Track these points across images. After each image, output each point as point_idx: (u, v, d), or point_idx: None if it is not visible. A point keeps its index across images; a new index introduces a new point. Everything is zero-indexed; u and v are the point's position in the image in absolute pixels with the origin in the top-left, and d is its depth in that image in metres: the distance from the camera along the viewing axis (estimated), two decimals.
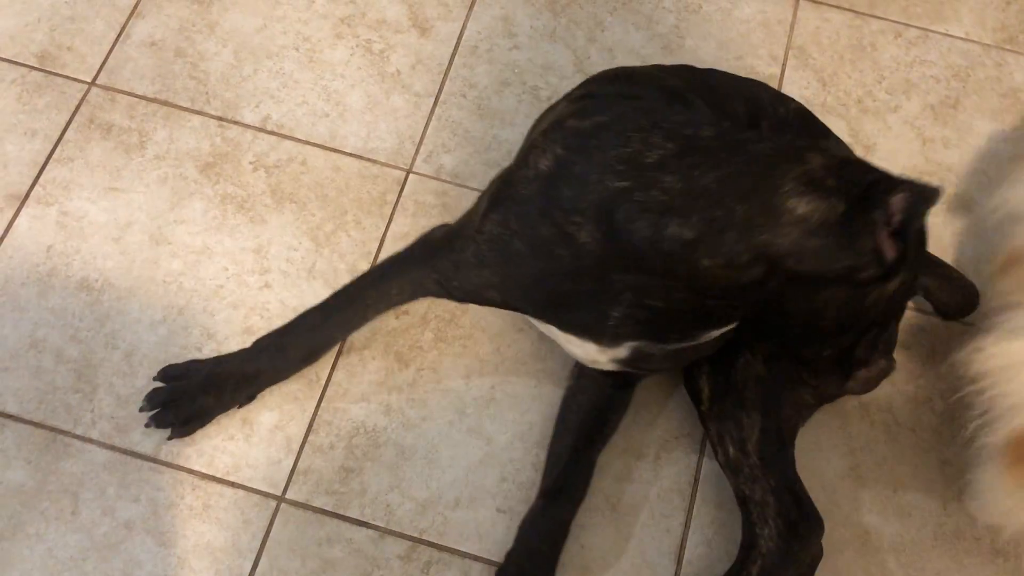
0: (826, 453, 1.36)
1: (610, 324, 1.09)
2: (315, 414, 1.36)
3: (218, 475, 1.32)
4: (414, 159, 1.55)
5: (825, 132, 1.37)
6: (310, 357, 1.35)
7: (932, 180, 1.57)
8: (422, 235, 1.31)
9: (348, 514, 1.30)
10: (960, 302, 1.27)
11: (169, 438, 1.32)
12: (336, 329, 1.34)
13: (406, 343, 1.41)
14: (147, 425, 1.31)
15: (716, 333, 1.12)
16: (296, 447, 1.34)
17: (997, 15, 1.73)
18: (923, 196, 0.92)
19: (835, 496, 1.33)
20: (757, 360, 1.23)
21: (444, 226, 1.29)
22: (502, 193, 1.14)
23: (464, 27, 1.67)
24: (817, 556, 1.25)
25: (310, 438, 1.35)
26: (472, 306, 1.42)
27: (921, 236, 1.04)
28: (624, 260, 1.02)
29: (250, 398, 1.34)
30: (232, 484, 1.31)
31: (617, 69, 1.31)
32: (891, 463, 1.36)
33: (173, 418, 1.31)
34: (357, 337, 1.41)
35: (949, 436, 1.38)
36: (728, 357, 1.23)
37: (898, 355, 1.43)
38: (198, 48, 1.63)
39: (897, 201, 0.92)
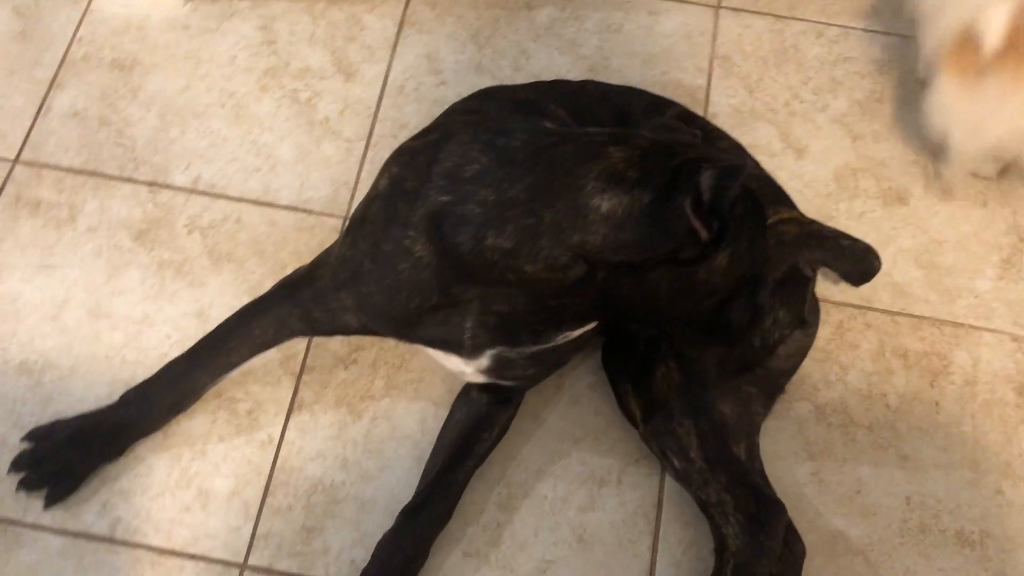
0: (786, 461, 1.37)
1: (466, 336, 1.12)
2: (271, 476, 1.34)
3: (177, 549, 1.29)
4: (350, 205, 1.54)
5: (704, 133, 1.40)
6: (177, 406, 1.34)
7: (861, 176, 1.59)
8: (282, 278, 1.32)
9: (313, 574, 1.28)
10: (860, 268, 1.28)
11: (45, 507, 1.29)
12: (202, 376, 1.33)
13: (357, 393, 1.40)
14: (17, 490, 1.29)
15: (574, 334, 1.14)
16: (254, 512, 1.32)
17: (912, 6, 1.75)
18: (728, 172, 0.95)
19: (799, 503, 1.33)
20: (673, 369, 1.24)
21: (303, 266, 1.31)
22: (353, 218, 1.19)
23: (389, 68, 1.67)
24: (800, 553, 1.26)
25: (268, 501, 1.33)
26: (420, 348, 1.41)
27: (753, 205, 1.06)
28: (458, 271, 1.06)
29: (120, 452, 1.32)
30: (192, 556, 1.29)
31: (484, 88, 1.38)
32: (851, 464, 1.37)
33: (41, 479, 1.29)
34: (307, 394, 1.40)
35: (905, 431, 1.39)
36: (647, 374, 1.25)
37: (847, 354, 1.44)
38: (122, 114, 1.61)
39: (705, 180, 0.95)
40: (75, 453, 1.30)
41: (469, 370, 1.19)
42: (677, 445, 1.24)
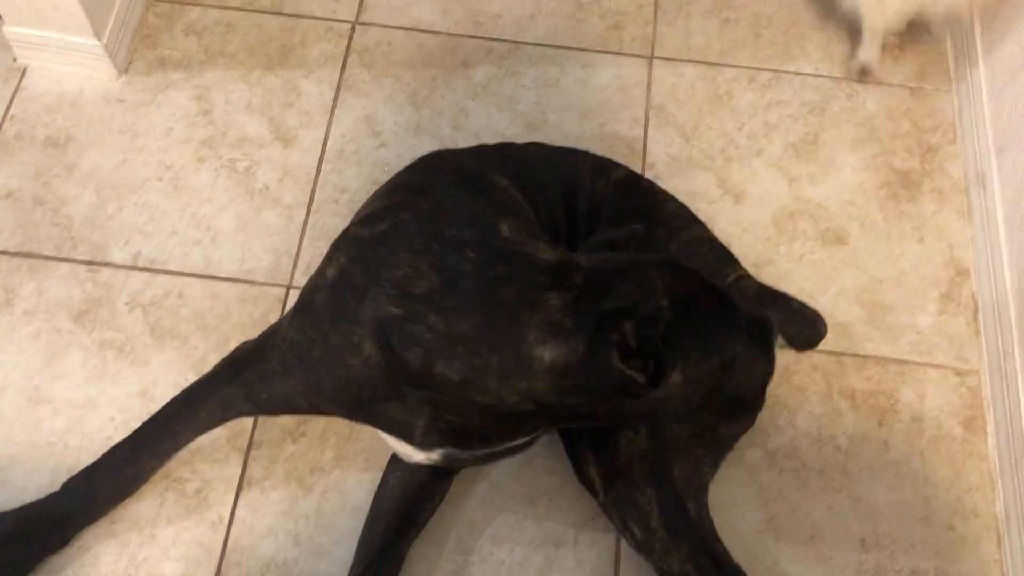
0: (740, 509, 1.37)
1: (417, 433, 1.11)
2: (222, 557, 1.32)
3: None
4: (292, 273, 1.53)
5: (649, 198, 1.42)
6: (121, 493, 1.30)
7: (799, 218, 1.61)
8: (226, 356, 1.29)
9: None
10: (808, 333, 1.31)
11: None
12: (146, 461, 1.29)
13: (306, 466, 1.38)
14: None
15: (522, 440, 1.15)
16: None
17: (842, 48, 1.79)
18: (648, 318, 0.97)
19: (755, 552, 1.34)
20: (640, 436, 1.23)
21: (247, 342, 1.29)
22: (302, 300, 1.16)
23: (328, 132, 1.67)
24: None
25: None
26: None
27: (693, 316, 1.06)
28: (409, 378, 1.05)
29: (64, 543, 1.29)
30: None
31: (428, 155, 1.39)
32: (805, 509, 1.37)
33: None
34: (255, 469, 1.38)
35: (857, 472, 1.40)
36: (610, 441, 1.24)
37: (795, 398, 1.45)
38: (57, 193, 1.59)
39: (628, 330, 0.97)
40: (17, 547, 1.26)
41: (419, 458, 1.17)
42: (639, 514, 1.23)
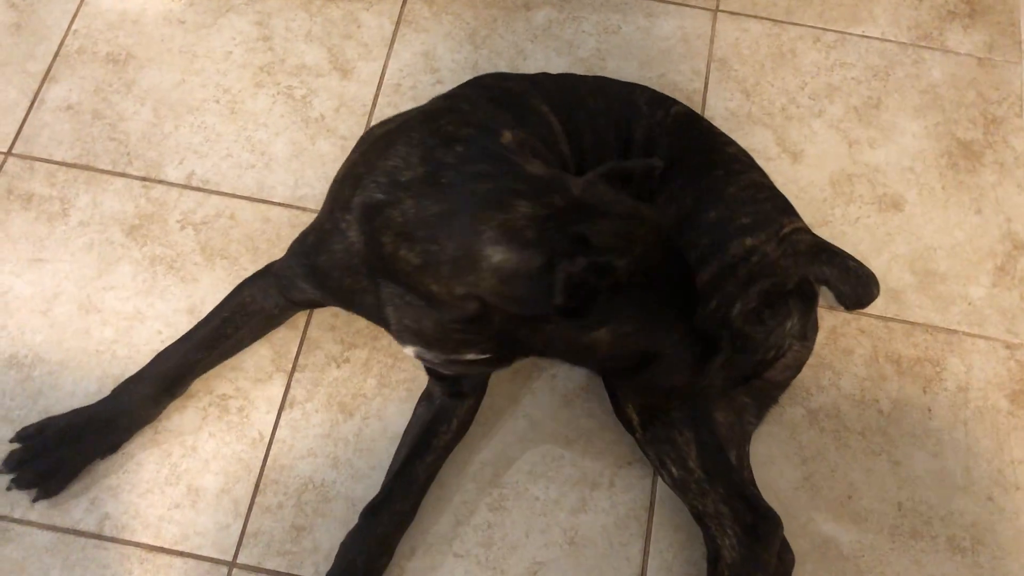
0: (778, 465, 1.36)
1: (392, 325, 1.15)
2: (261, 474, 1.34)
3: (166, 546, 1.28)
4: None
5: (710, 138, 1.40)
6: (170, 392, 1.33)
7: (856, 181, 1.59)
8: None
9: (302, 574, 1.27)
10: (860, 292, 1.29)
11: (33, 500, 1.28)
12: (194, 351, 1.32)
13: (349, 392, 1.39)
14: (8, 488, 1.28)
15: (480, 356, 1.14)
16: (244, 510, 1.31)
17: (911, 13, 1.75)
18: (601, 267, 0.97)
19: (791, 508, 1.33)
20: None
21: None
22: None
23: (385, 66, 1.66)
24: (790, 562, 1.25)
25: (258, 499, 1.32)
26: None
27: (654, 300, 1.06)
28: (383, 266, 1.09)
29: (113, 448, 1.32)
30: (181, 554, 1.28)
31: (480, 75, 1.42)
32: (843, 469, 1.36)
33: (32, 476, 1.27)
34: (298, 391, 1.39)
35: (898, 436, 1.39)
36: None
37: (840, 359, 1.44)
38: (116, 109, 1.60)
39: (577, 263, 0.96)
40: (67, 450, 1.29)
41: (407, 351, 1.20)
42: (676, 454, 1.23)
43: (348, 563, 1.23)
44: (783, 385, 1.34)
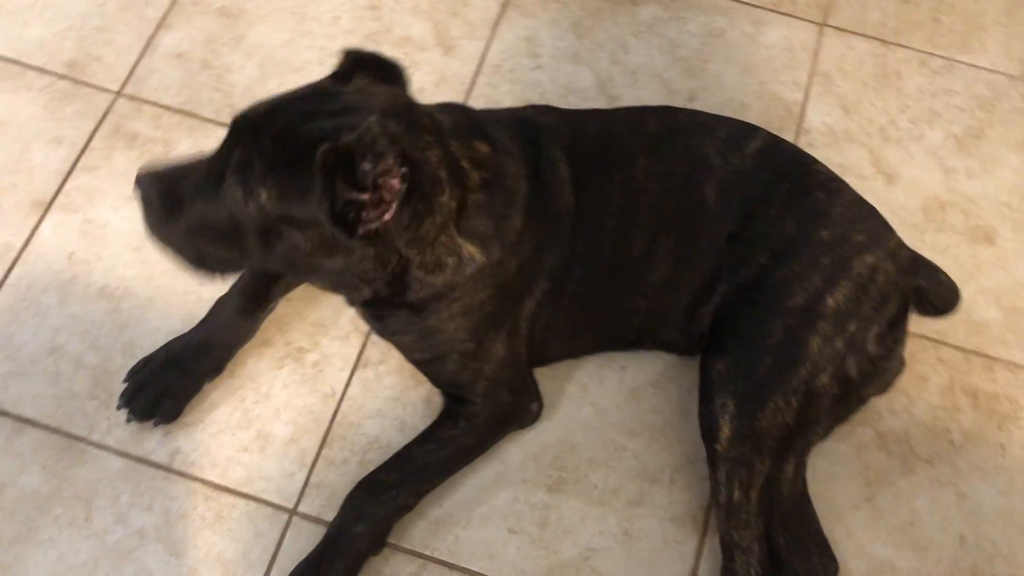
0: (841, 483, 1.35)
1: None
2: (329, 428, 1.36)
3: (231, 486, 1.32)
4: None
5: (798, 162, 1.35)
6: (257, 299, 1.37)
7: (949, 210, 1.56)
8: None
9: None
10: (946, 301, 1.29)
11: (155, 424, 1.33)
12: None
13: None
14: (128, 420, 1.33)
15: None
16: (309, 461, 1.34)
17: (1023, 46, 1.72)
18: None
19: (849, 526, 1.32)
20: (789, 409, 1.20)
21: None
22: None
23: (488, 46, 1.68)
24: (833, 572, 1.25)
25: (324, 452, 1.35)
26: None
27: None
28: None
29: (218, 368, 1.36)
30: (245, 496, 1.31)
31: (546, 105, 1.38)
32: (907, 496, 1.35)
33: (146, 406, 1.32)
34: (373, 353, 1.41)
35: (967, 470, 1.37)
36: (758, 400, 1.20)
37: (915, 386, 1.42)
38: (224, 60, 1.64)
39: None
40: (173, 377, 1.34)
41: None
42: (748, 479, 1.21)
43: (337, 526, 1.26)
44: (862, 404, 1.32)
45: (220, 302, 1.38)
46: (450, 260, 1.15)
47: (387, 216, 1.04)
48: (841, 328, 1.21)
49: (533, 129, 1.28)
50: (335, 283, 1.17)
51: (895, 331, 1.26)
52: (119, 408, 1.33)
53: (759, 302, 1.23)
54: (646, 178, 1.29)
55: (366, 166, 1.01)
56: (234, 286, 1.38)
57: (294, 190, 1.04)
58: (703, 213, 1.29)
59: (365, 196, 1.03)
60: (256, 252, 1.11)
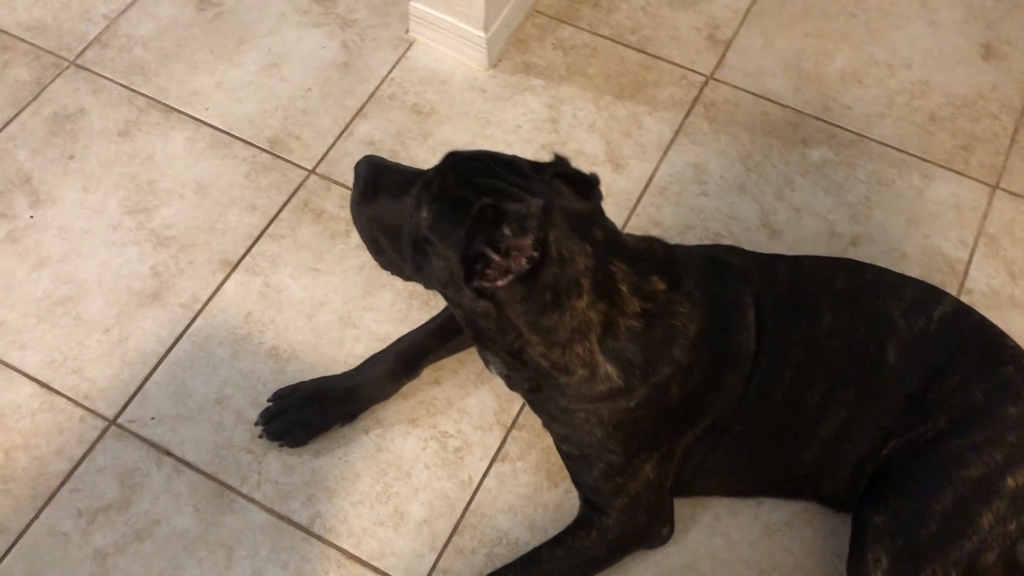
0: None
1: None
2: (463, 516, 1.40)
3: (364, 557, 1.36)
4: None
5: (987, 333, 1.33)
6: (408, 367, 1.46)
7: None
8: None
9: None
10: None
11: (280, 445, 1.43)
12: (429, 337, 1.46)
13: (558, 462, 1.43)
14: (260, 436, 1.44)
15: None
16: (440, 545, 1.38)
17: None
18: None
19: None
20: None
21: None
22: None
23: (657, 168, 1.75)
24: None
25: (454, 539, 1.38)
26: None
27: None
28: None
29: (351, 416, 1.46)
30: (376, 569, 1.36)
31: (737, 248, 1.44)
32: None
33: (280, 429, 1.43)
34: (513, 447, 1.45)
35: None
36: (914, 565, 1.17)
37: None
38: (411, 153, 1.76)
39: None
40: (312, 411, 1.44)
41: None
42: None
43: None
44: None
45: (374, 359, 1.47)
46: (581, 370, 1.20)
47: (500, 282, 1.13)
48: (1018, 512, 1.18)
49: (725, 270, 1.33)
50: (468, 326, 1.25)
51: None
52: (256, 424, 1.45)
53: (932, 465, 1.21)
54: (829, 334, 1.31)
55: (507, 231, 1.11)
56: (390, 348, 1.47)
57: (447, 221, 1.16)
58: (883, 372, 1.30)
59: (495, 257, 1.12)
60: (409, 261, 1.23)
